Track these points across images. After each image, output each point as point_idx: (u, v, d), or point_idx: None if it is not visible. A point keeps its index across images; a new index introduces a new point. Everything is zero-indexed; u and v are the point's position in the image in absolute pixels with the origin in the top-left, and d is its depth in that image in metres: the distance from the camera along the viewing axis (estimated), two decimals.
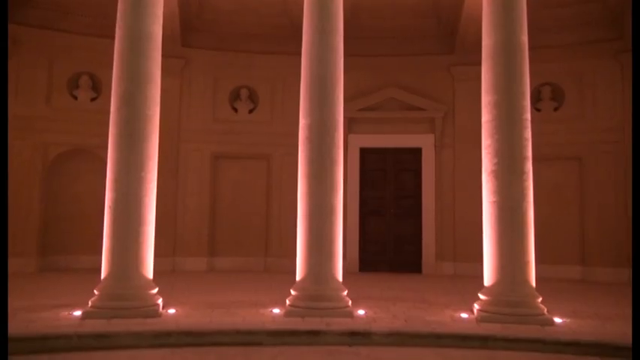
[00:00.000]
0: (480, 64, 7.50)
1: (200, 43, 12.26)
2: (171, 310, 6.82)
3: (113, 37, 7.66)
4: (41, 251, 11.07)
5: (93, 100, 11.60)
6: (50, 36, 11.18)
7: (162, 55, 7.53)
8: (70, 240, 11.43)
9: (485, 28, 7.27)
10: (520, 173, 6.79)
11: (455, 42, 12.06)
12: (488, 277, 6.83)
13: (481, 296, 6.82)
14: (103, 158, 8.12)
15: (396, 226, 12.27)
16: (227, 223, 12.19)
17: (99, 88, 11.59)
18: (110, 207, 6.56)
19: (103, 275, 6.56)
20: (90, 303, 6.42)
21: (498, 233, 6.72)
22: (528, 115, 7.11)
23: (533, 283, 6.69)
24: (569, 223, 11.50)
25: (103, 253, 6.57)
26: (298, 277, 6.86)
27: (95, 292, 6.49)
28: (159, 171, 7.20)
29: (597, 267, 11.05)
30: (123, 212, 6.51)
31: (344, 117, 7.32)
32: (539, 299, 6.65)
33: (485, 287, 6.84)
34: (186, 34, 12.09)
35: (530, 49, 7.99)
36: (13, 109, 10.78)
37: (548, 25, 11.28)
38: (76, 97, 11.52)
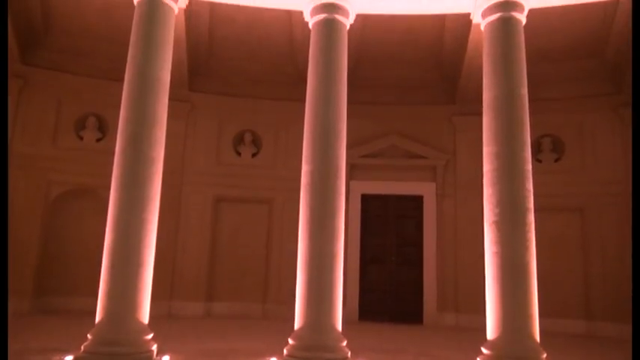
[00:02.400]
0: (480, 114, 7.61)
1: (206, 87, 12.51)
2: (166, 358, 6.63)
3: (121, 80, 7.83)
4: (36, 291, 10.90)
5: (98, 140, 11.73)
6: (60, 77, 11.44)
7: (169, 99, 7.67)
8: (66, 281, 11.27)
9: (486, 81, 7.42)
10: (522, 224, 6.74)
11: (456, 92, 12.29)
12: (491, 330, 6.66)
13: (484, 350, 6.63)
14: (105, 199, 8.12)
15: (396, 274, 12.10)
16: (226, 267, 12.05)
17: (105, 129, 11.75)
18: (109, 248, 6.50)
19: (97, 319, 6.42)
20: (82, 348, 6.24)
21: (501, 285, 6.61)
22: (529, 166, 7.15)
23: (538, 338, 6.51)
24: (573, 276, 11.33)
25: (99, 296, 6.45)
26: (297, 325, 6.70)
27: (88, 336, 6.33)
28: (160, 212, 7.18)
29: (602, 322, 10.81)
30: (121, 254, 6.44)
31: (346, 163, 7.37)
32: (544, 355, 6.46)
33: (488, 341, 6.66)
34: (194, 78, 12.36)
35: (531, 101, 8.13)
36: (19, 147, 10.90)
37: (548, 78, 11.54)
38: (82, 138, 11.65)
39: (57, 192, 11.31)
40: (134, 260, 6.45)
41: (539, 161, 11.67)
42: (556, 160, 11.81)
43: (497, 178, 6.95)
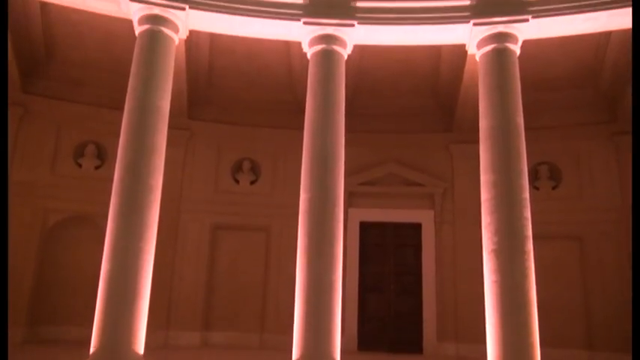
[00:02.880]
0: (478, 142, 7.68)
1: (206, 115, 12.61)
2: None
3: (121, 109, 7.91)
4: (30, 320, 10.73)
5: (97, 168, 11.75)
6: (60, 106, 11.52)
7: (168, 127, 7.74)
8: (61, 310, 11.12)
9: (482, 111, 7.52)
10: (521, 252, 6.74)
11: (453, 120, 12.40)
12: (492, 359, 6.57)
13: None
14: (102, 227, 8.10)
15: (395, 303, 11.97)
16: (223, 296, 11.91)
17: (104, 157, 11.79)
18: (105, 278, 6.45)
19: (92, 349, 6.32)
20: None
21: (501, 314, 6.56)
22: (527, 195, 7.19)
23: None
24: (573, 304, 11.22)
25: (94, 326, 6.37)
26: (295, 356, 6.60)
27: None
28: (157, 240, 7.16)
29: (604, 352, 10.65)
30: (117, 284, 6.39)
31: (344, 191, 7.40)
32: None
33: None
34: (193, 107, 12.47)
35: (527, 129, 8.22)
36: (16, 175, 10.91)
37: (544, 107, 11.68)
38: (80, 165, 11.67)
39: (54, 220, 11.26)
40: (130, 290, 6.39)
41: (537, 189, 11.71)
42: (553, 188, 11.84)
43: (495, 207, 6.98)
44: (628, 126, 11.16)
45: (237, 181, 12.50)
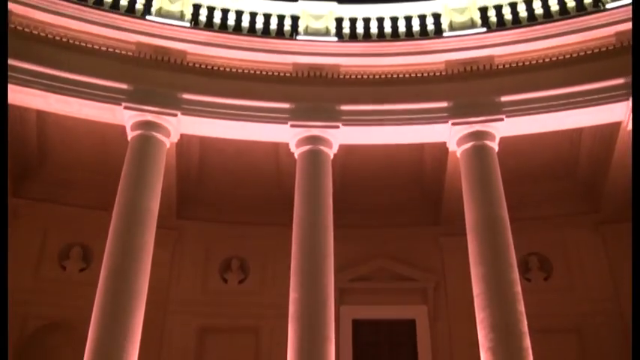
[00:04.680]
0: (466, 234, 7.75)
1: (194, 214, 12.63)
2: None
3: (110, 210, 7.95)
4: None
5: (81, 270, 11.50)
6: (48, 208, 11.53)
7: (157, 227, 7.75)
8: None
9: (467, 204, 7.70)
10: (519, 349, 6.55)
11: (440, 213, 12.54)
12: None
13: None
14: (84, 333, 7.75)
15: None
16: None
17: (89, 259, 11.58)
18: None
19: None
20: None
21: None
22: (519, 288, 7.13)
23: None
24: None
25: None
26: None
27: None
28: (141, 345, 6.86)
29: None
30: None
31: (335, 287, 7.30)
32: None
33: None
34: (182, 206, 12.52)
35: (513, 221, 8.36)
36: None
37: (528, 198, 11.91)
38: (64, 268, 11.42)
39: (34, 326, 10.77)
40: None
41: (529, 280, 11.58)
42: (545, 279, 11.74)
43: (487, 301, 6.89)
44: (611, 215, 11.39)
45: (225, 281, 12.24)
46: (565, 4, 10.43)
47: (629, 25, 9.51)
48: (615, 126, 10.06)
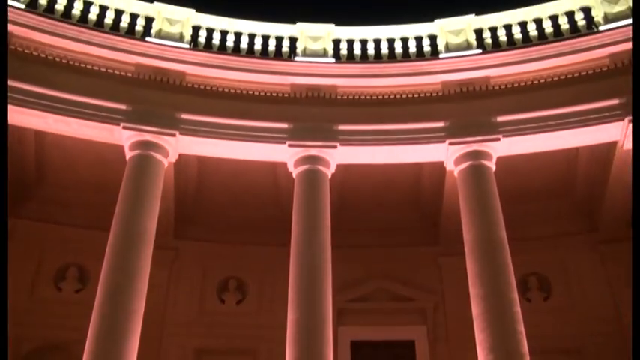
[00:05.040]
0: (465, 254, 7.73)
1: (192, 234, 12.57)
2: None
3: (108, 230, 7.91)
4: None
5: (78, 291, 11.39)
6: (45, 228, 11.47)
7: (154, 247, 7.70)
8: None
9: (465, 224, 7.69)
10: None
11: (439, 233, 12.51)
12: None
13: None
14: (79, 356, 7.64)
15: None
16: None
17: (86, 279, 11.48)
18: None
19: None
20: None
21: None
22: (518, 308, 7.08)
23: None
24: None
25: None
26: None
27: None
28: None
29: None
30: None
31: (333, 308, 7.23)
32: None
33: None
34: (180, 225, 12.47)
35: (512, 240, 8.33)
36: None
37: (525, 218, 11.88)
38: (60, 289, 11.32)
39: (28, 348, 10.61)
40: None
41: (529, 300, 11.49)
42: (545, 299, 11.66)
43: (487, 322, 6.83)
44: (609, 234, 11.38)
45: (222, 301, 12.12)
46: (559, 26, 10.61)
47: (622, 47, 9.68)
48: (611, 146, 10.14)
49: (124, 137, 8.71)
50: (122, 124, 9.32)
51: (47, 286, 11.25)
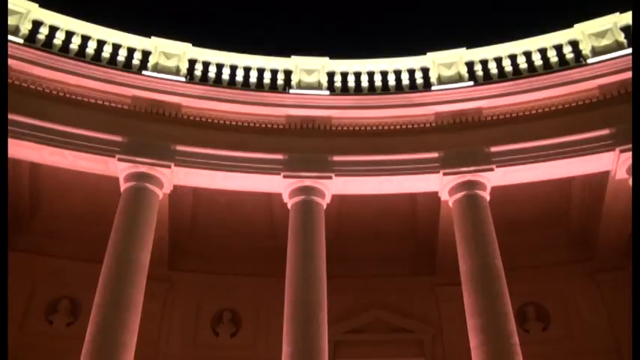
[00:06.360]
0: (461, 283, 7.67)
1: (186, 265, 12.44)
2: None
3: (101, 262, 7.82)
4: None
5: (69, 324, 11.18)
6: (37, 261, 11.33)
7: (148, 278, 7.60)
8: None
9: (460, 255, 7.67)
10: None
11: (435, 263, 12.44)
12: None
13: None
14: None
15: None
16: None
17: (77, 312, 11.27)
18: None
19: None
20: None
21: None
22: (516, 339, 7.00)
23: None
24: None
25: None
26: None
27: None
28: None
29: None
30: None
31: (329, 340, 7.13)
32: None
33: None
34: (174, 257, 12.35)
35: (509, 270, 8.28)
36: None
37: (521, 247, 11.86)
38: (51, 322, 11.11)
39: None
40: None
41: (527, 331, 11.35)
42: (543, 330, 11.52)
43: (485, 354, 6.75)
44: (606, 263, 11.36)
45: (216, 334, 11.91)
46: (548, 59, 10.85)
47: (611, 79, 9.90)
48: (604, 175, 10.23)
49: (119, 169, 8.72)
50: (117, 156, 9.35)
51: (38, 319, 11.05)
